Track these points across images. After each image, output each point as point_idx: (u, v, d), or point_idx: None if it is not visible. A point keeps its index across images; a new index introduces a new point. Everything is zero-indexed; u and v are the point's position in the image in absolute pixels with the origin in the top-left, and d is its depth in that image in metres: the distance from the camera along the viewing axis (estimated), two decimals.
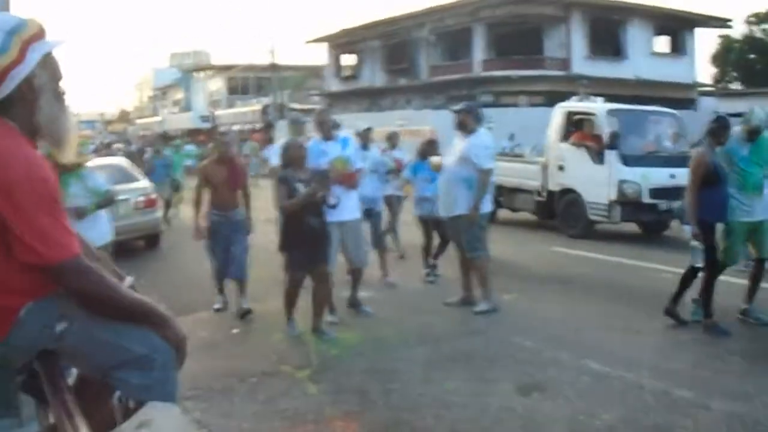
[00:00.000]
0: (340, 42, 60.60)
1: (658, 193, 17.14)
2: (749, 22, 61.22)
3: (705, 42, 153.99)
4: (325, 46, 63.67)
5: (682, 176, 14.81)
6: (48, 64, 3.23)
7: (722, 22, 54.43)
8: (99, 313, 3.36)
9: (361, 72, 59.95)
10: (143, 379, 3.41)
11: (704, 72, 68.70)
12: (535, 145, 21.82)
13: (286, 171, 9.17)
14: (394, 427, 6.41)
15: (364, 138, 12.60)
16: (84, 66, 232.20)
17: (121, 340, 3.40)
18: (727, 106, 30.33)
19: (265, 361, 8.35)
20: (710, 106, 35.16)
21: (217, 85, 79.28)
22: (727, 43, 61.69)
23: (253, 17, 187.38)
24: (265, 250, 12.55)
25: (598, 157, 17.75)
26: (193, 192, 11.11)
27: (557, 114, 19.43)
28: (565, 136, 18.80)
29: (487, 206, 10.64)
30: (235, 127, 65.45)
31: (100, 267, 3.43)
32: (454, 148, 10.67)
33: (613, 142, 17.36)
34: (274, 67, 59.59)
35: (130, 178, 17.10)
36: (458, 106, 10.86)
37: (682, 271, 9.80)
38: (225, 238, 10.46)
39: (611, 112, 18.32)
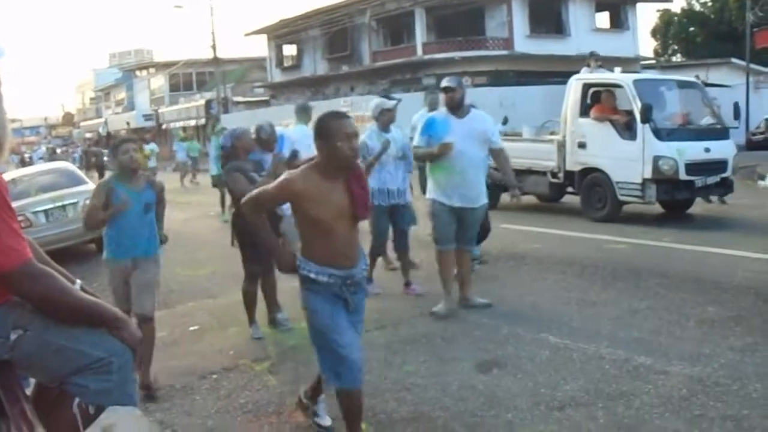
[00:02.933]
0: (280, 33, 60.45)
1: (693, 168, 15.62)
2: None
3: (646, 16, 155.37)
4: (264, 37, 63.53)
5: (717, 150, 15.11)
6: None
7: None
8: (55, 316, 3.33)
9: (303, 61, 59.91)
10: (102, 384, 3.38)
11: (646, 46, 69.40)
12: (544, 123, 20.04)
13: (235, 162, 8.72)
14: None
15: (385, 119, 10.54)
16: (23, 70, 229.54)
17: (77, 345, 3.36)
18: None
19: (223, 356, 8.32)
20: None
21: (159, 82, 78.80)
22: (667, 17, 62.40)
23: (193, 12, 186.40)
24: (216, 245, 12.48)
25: (627, 132, 16.04)
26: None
27: (573, 87, 17.59)
28: (584, 111, 17.06)
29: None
30: (179, 124, 65.29)
31: (53, 271, 3.40)
32: (453, 131, 9.17)
33: (646, 115, 15.46)
34: (215, 62, 59.30)
35: (78, 182, 16.94)
36: (449, 82, 9.45)
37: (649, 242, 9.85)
38: None
39: (638, 83, 16.58)
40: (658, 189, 15.61)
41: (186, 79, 75.93)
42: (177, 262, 13.82)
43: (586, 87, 17.35)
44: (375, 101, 10.69)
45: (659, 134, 15.64)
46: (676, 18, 61.88)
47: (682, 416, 5.99)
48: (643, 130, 15.65)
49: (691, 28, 61.05)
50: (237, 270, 9.38)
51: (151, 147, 35.14)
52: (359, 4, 51.14)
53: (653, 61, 56.04)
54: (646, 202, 16.14)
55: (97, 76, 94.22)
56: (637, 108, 15.70)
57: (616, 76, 17.76)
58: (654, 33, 64.37)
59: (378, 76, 48.98)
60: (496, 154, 9.58)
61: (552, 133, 18.46)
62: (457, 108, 9.35)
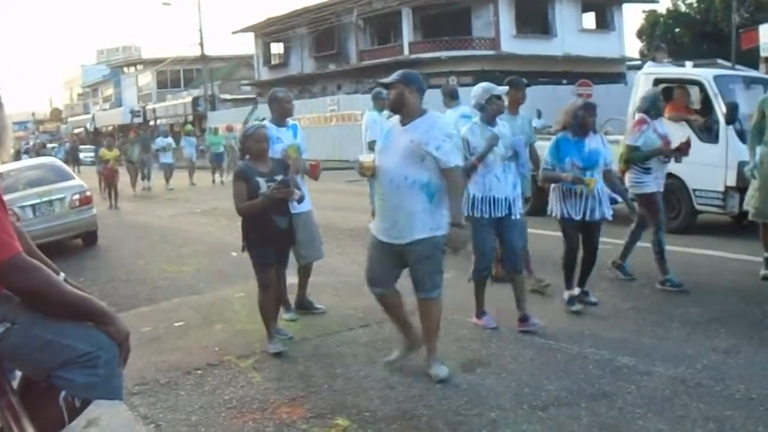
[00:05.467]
0: (268, 31, 60.49)
1: None
2: None
3: (632, 17, 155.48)
4: (251, 35, 63.57)
5: None
6: None
7: None
8: (43, 309, 3.34)
9: (290, 60, 60.00)
10: (88, 378, 3.40)
11: (632, 47, 69.62)
12: (606, 121, 18.20)
13: (245, 164, 8.12)
14: (341, 410, 6.42)
15: (493, 109, 8.62)
16: (11, 65, 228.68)
17: (64, 339, 3.38)
18: None
19: (208, 353, 8.30)
20: None
21: (146, 79, 78.75)
22: (653, 18, 62.62)
23: (181, 9, 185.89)
24: (201, 242, 12.47)
25: (708, 134, 14.28)
26: None
27: (642, 82, 15.68)
28: None
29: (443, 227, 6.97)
30: (165, 121, 65.35)
31: (41, 264, 3.41)
32: (387, 140, 7.25)
33: (732, 116, 13.71)
34: (203, 59, 59.28)
35: (65, 177, 16.98)
36: (389, 79, 7.22)
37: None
38: None
39: (719, 78, 14.75)
40: (742, 198, 12.74)
41: (173, 76, 75.96)
42: (163, 258, 13.82)
43: (657, 83, 15.17)
44: (480, 86, 8.69)
45: (745, 137, 12.93)
46: (661, 19, 62.10)
47: (664, 417, 6.02)
48: (726, 132, 14.03)
49: (677, 29, 61.15)
50: (222, 266, 9.41)
51: (167, 141, 33.52)
52: (347, 3, 51.27)
53: (639, 62, 56.22)
54: (727, 213, 14.25)
55: (85, 72, 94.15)
56: (720, 107, 14.10)
57: (693, 71, 16.15)
58: (640, 34, 64.56)
59: (365, 75, 48.97)
60: (446, 176, 6.86)
61: (606, 133, 15.71)
62: (398, 111, 7.15)
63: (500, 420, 6.12)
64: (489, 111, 8.57)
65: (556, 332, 8.28)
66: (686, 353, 7.45)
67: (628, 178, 10.36)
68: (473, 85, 9.65)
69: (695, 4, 60.92)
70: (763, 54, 27.98)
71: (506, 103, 9.48)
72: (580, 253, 9.31)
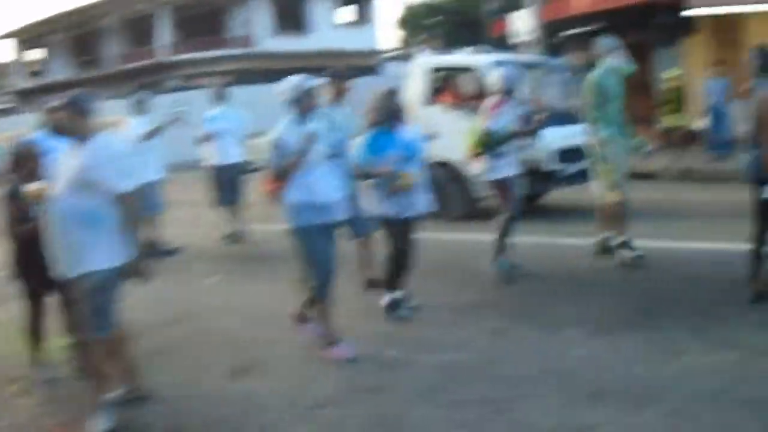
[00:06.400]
0: (28, 37, 58.57)
1: (562, 157, 13.79)
2: None
3: (391, 8, 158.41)
4: (13, 42, 61.52)
5: (575, 135, 12.32)
6: None
7: None
8: None
9: (51, 66, 58.33)
10: None
11: (394, 37, 71.12)
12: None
13: (13, 182, 7.13)
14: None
15: (307, 104, 7.61)
16: None
17: None
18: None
19: None
20: (393, 71, 35.99)
21: None
22: (412, 9, 64.54)
23: None
24: None
25: None
26: None
27: (416, 72, 15.28)
28: (431, 99, 14.82)
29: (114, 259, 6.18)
30: None
31: None
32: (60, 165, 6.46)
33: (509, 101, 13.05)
34: None
35: None
36: (58, 102, 6.77)
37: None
38: None
39: (499, 64, 13.17)
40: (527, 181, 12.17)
41: None
42: None
43: (436, 71, 15.14)
44: (291, 79, 7.68)
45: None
46: (420, 9, 63.90)
47: (439, 403, 6.12)
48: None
49: (436, 18, 62.92)
50: None
51: None
52: (104, 6, 50.11)
53: (398, 53, 57.46)
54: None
55: None
56: (499, 92, 13.22)
57: (472, 58, 15.34)
58: (401, 24, 66.18)
59: (126, 79, 48.01)
60: (117, 202, 6.13)
61: None
62: (67, 135, 6.45)
63: (275, 423, 6.08)
64: (303, 106, 7.52)
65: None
66: (456, 339, 7.60)
67: (479, 164, 9.90)
68: (232, 85, 9.23)
69: None
70: (511, 41, 29.04)
71: (328, 96, 9.13)
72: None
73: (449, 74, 15.25)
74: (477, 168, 10.02)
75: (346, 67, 10.07)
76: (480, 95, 13.36)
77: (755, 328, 7.39)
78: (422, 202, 8.45)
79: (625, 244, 10.19)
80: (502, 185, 9.79)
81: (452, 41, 46.38)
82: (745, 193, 8.15)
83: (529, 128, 10.14)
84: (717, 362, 6.63)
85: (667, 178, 17.37)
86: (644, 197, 13.08)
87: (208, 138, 13.44)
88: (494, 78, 10.16)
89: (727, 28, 23.84)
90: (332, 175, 7.62)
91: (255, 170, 12.29)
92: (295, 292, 8.24)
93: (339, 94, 9.59)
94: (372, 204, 8.53)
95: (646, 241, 10.42)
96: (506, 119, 9.77)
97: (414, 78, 15.22)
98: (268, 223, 12.44)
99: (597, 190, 10.56)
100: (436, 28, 59.63)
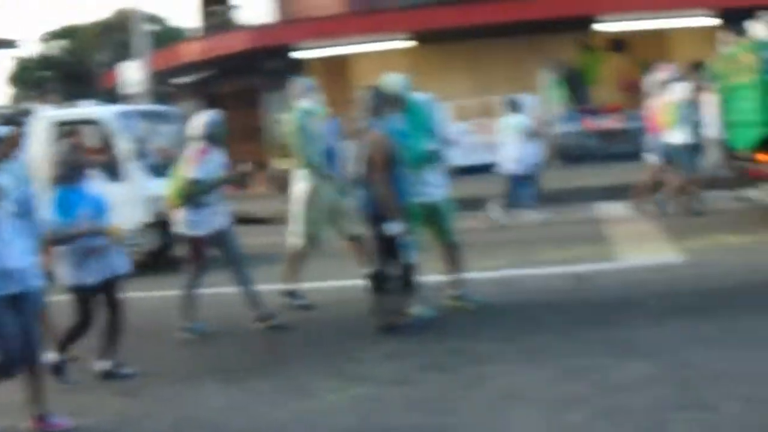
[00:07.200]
0: None
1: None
2: (44, 40, 63.84)
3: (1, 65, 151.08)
4: None
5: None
6: None
7: (10, 44, 54.62)
8: None
9: None
10: None
11: (4, 94, 68.63)
12: None
13: None
14: None
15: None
16: None
17: None
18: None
19: None
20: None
21: None
22: (23, 63, 62.58)
23: None
24: None
25: (112, 174, 13.69)
26: None
27: (41, 127, 14.95)
28: None
29: None
30: None
31: None
32: None
33: (139, 152, 14.02)
34: None
35: None
36: None
37: None
38: None
39: (121, 115, 14.68)
40: (159, 234, 13.53)
41: None
42: None
43: (58, 126, 14.98)
44: None
45: (156, 170, 13.66)
46: (30, 63, 62.19)
47: None
48: (136, 168, 14.12)
49: (47, 72, 61.45)
50: None
51: None
52: None
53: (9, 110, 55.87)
54: (146, 250, 13.90)
55: None
56: (122, 145, 14.10)
57: (95, 110, 15.67)
58: (12, 80, 64.07)
59: None
60: None
61: None
62: None
63: None
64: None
65: None
66: (83, 403, 7.26)
67: (180, 217, 9.26)
68: None
69: (66, 46, 61.74)
70: (122, 91, 29.11)
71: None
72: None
73: (73, 128, 15.00)
74: (178, 221, 9.31)
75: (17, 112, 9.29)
76: (104, 147, 14.10)
77: (385, 360, 7.70)
78: (119, 261, 7.89)
79: (292, 293, 10.20)
80: (199, 241, 9.21)
81: (65, 94, 45.60)
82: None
83: (236, 175, 10.00)
84: (353, 397, 6.80)
85: (278, 222, 16.65)
86: (256, 242, 13.72)
87: None
88: (195, 124, 9.52)
89: (336, 70, 25.07)
90: (20, 237, 6.42)
91: None
92: None
93: (14, 144, 7.46)
94: (64, 271, 7.66)
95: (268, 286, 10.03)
96: (212, 167, 9.21)
97: (38, 133, 14.73)
98: None
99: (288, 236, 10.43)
100: (47, 82, 58.28)
